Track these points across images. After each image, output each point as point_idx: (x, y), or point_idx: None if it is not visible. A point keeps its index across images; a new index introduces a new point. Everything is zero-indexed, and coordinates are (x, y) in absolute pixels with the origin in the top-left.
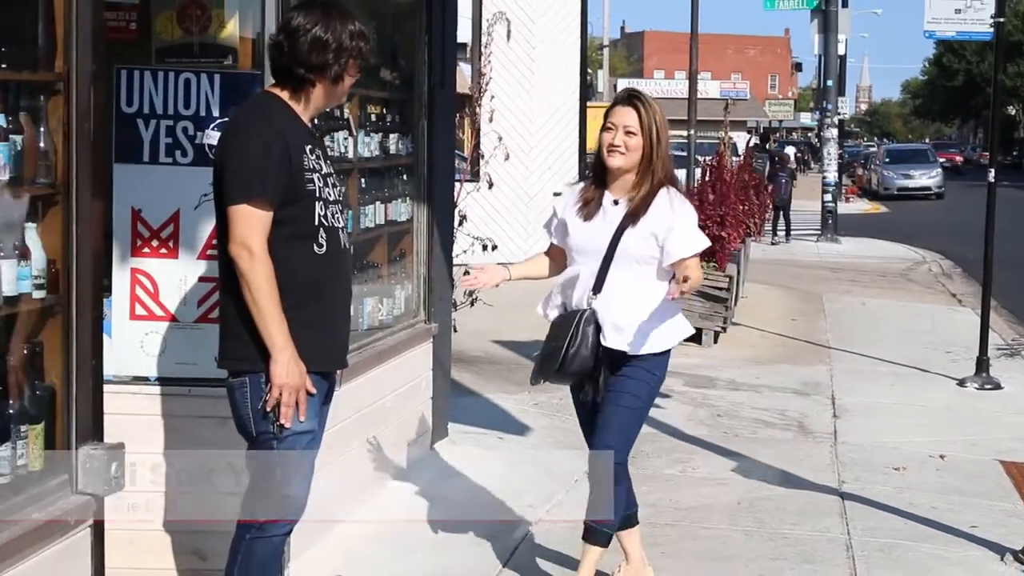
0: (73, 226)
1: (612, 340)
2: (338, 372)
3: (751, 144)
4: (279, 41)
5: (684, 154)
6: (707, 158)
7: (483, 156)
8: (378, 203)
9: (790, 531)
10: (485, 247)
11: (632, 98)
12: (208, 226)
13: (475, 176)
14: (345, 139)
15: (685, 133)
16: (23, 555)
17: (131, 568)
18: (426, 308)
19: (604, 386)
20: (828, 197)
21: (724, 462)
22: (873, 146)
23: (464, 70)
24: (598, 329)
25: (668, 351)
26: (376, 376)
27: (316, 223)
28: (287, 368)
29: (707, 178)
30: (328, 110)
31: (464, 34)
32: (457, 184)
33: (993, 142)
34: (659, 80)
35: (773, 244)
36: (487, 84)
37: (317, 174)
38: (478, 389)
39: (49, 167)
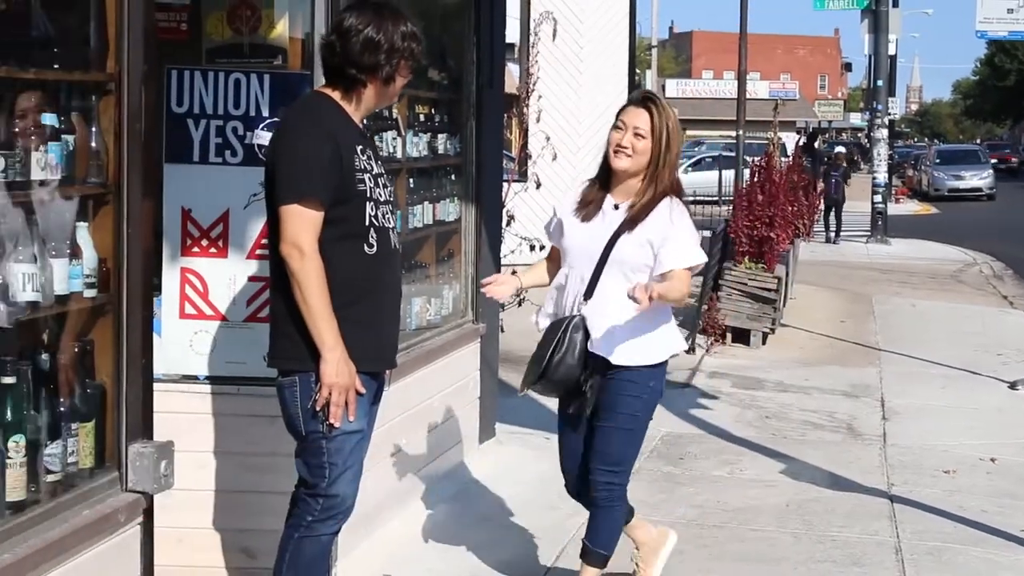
0: (124, 225)
1: (598, 347)
2: (387, 372)
3: (799, 144)
4: (331, 41)
5: (733, 155)
6: (756, 159)
7: (531, 156)
8: (426, 203)
9: (839, 533)
10: (532, 247)
11: (646, 100)
12: (257, 226)
13: (523, 176)
14: (394, 139)
15: (734, 134)
16: (74, 552)
17: (180, 566)
18: (474, 308)
19: (592, 399)
20: (878, 198)
21: (772, 464)
22: (924, 147)
23: (512, 70)
24: (587, 336)
25: (663, 364)
26: (424, 376)
27: (367, 223)
28: (337, 368)
29: (756, 179)
30: (377, 110)
31: (512, 34)
32: (505, 184)
33: None
34: (708, 80)
35: (827, 243)
36: (535, 84)
37: (368, 174)
38: None
39: (100, 167)
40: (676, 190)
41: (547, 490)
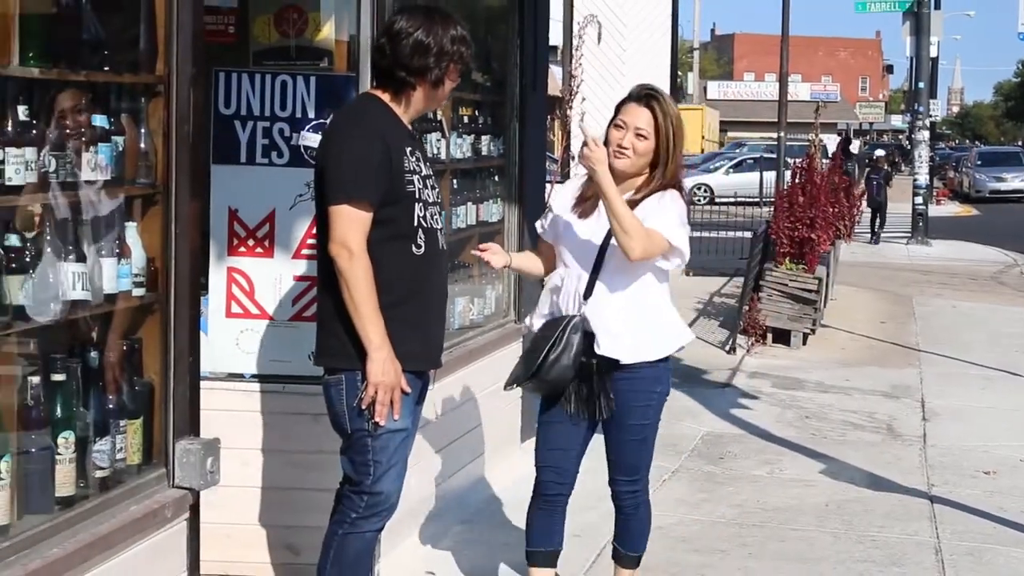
0: (172, 225)
1: (606, 348)
2: (432, 371)
3: (840, 146)
4: (381, 44)
5: (774, 156)
6: (797, 160)
7: (573, 158)
8: (470, 204)
9: (878, 534)
10: None
11: (648, 97)
12: (303, 226)
13: (565, 177)
14: (438, 140)
15: (775, 135)
16: (122, 547)
17: (225, 561)
18: (516, 308)
19: (595, 404)
20: (919, 200)
21: (812, 464)
22: (966, 149)
23: (555, 72)
24: (586, 339)
25: (667, 360)
26: (466, 375)
27: (415, 224)
28: (383, 367)
29: (797, 180)
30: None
31: (555, 37)
32: (548, 185)
33: None
34: (749, 82)
35: (870, 244)
36: (578, 86)
37: (417, 175)
38: None
39: (149, 168)
40: (677, 185)
41: (585, 490)
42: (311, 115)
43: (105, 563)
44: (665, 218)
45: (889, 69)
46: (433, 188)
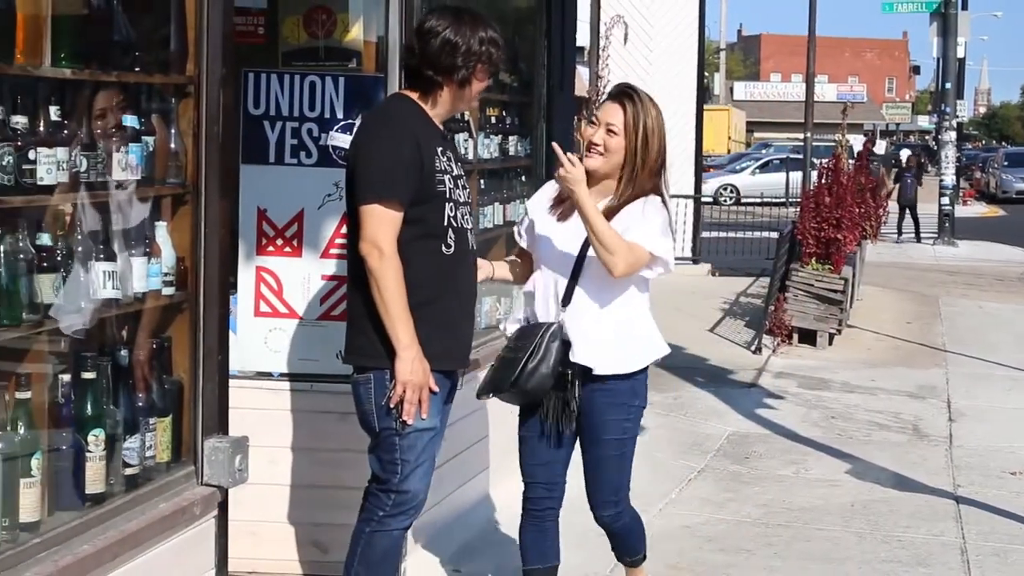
0: (201, 225)
1: (582, 355)
2: (461, 370)
3: (866, 146)
4: (411, 43)
5: (800, 157)
6: (823, 161)
7: None
8: (497, 204)
9: (904, 534)
10: None
11: (621, 94)
12: (331, 226)
13: None
14: (465, 141)
15: (801, 136)
16: (151, 543)
17: (253, 559)
18: None
19: (568, 414)
20: (945, 200)
21: (838, 464)
22: (994, 149)
23: (582, 73)
24: (564, 347)
25: (643, 372)
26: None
27: (445, 223)
28: (411, 366)
29: (823, 181)
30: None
31: (582, 37)
32: None
33: None
34: (775, 83)
35: (898, 243)
36: (604, 87)
37: (448, 175)
38: None
39: (179, 168)
40: (658, 191)
41: None
42: (339, 116)
43: (134, 560)
44: (647, 228)
45: (916, 70)
46: (464, 188)
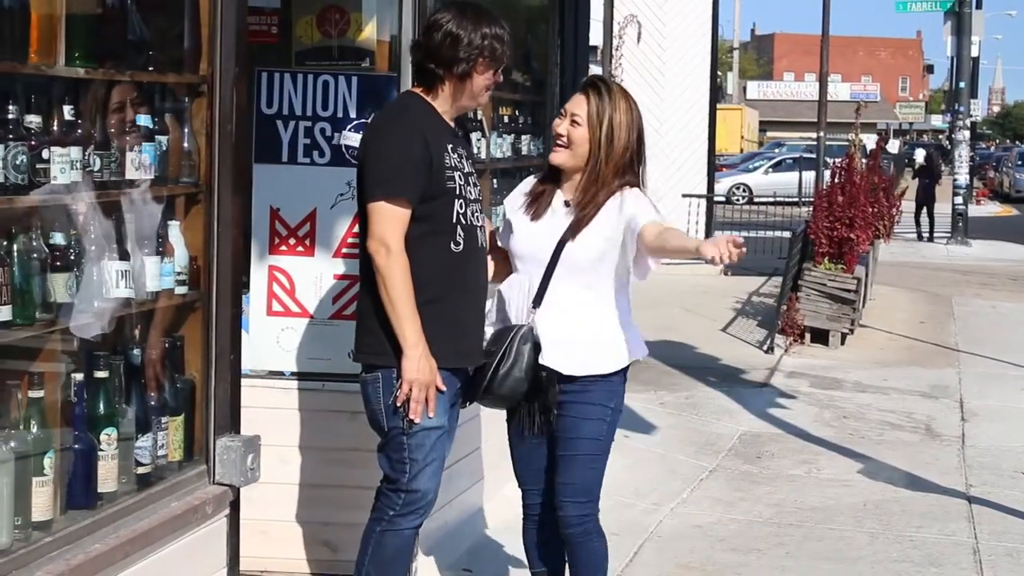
0: (214, 224)
1: (551, 359)
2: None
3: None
4: (418, 39)
5: (813, 156)
6: (836, 160)
7: None
8: None
9: (916, 534)
10: None
11: (589, 84)
12: (343, 225)
13: None
14: (478, 140)
15: (814, 135)
16: (162, 542)
17: (264, 557)
18: None
19: (546, 419)
20: (959, 199)
21: (850, 463)
22: (1009, 148)
23: (595, 72)
24: (537, 348)
25: (620, 374)
26: None
27: (454, 220)
28: (418, 364)
29: (836, 180)
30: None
31: (595, 36)
32: None
33: None
34: (789, 82)
35: (918, 240)
36: None
37: (459, 172)
38: None
39: (192, 167)
40: (632, 184)
41: (623, 487)
42: (352, 115)
43: (146, 558)
44: (644, 209)
45: (930, 69)
46: (475, 186)
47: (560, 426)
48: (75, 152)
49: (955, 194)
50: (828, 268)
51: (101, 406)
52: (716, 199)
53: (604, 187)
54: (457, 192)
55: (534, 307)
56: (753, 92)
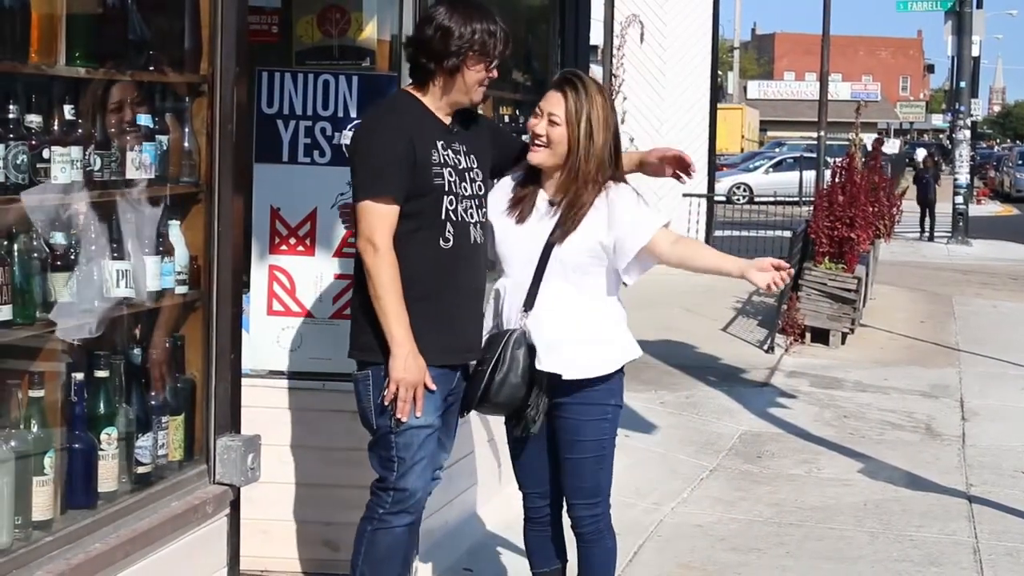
0: (215, 224)
1: (546, 363)
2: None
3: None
4: (411, 35)
5: (814, 156)
6: (837, 160)
7: None
8: None
9: (916, 533)
10: None
11: (565, 81)
12: (344, 225)
13: None
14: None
15: (815, 135)
16: (163, 542)
17: (264, 557)
18: None
19: (539, 421)
20: (960, 199)
21: (850, 463)
22: (1010, 147)
23: (596, 72)
24: (531, 352)
25: (618, 374)
26: None
27: (443, 217)
28: (404, 363)
29: (837, 180)
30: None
31: (596, 36)
32: None
33: None
34: (789, 82)
35: (920, 240)
36: (619, 86)
37: (450, 168)
38: None
39: (193, 166)
40: (615, 179)
41: (623, 487)
42: (353, 114)
43: (146, 558)
44: (636, 219)
45: (930, 68)
46: (475, 182)
47: (561, 430)
48: (75, 152)
49: (956, 193)
50: (828, 268)
51: (101, 405)
52: (716, 199)
53: (587, 184)
54: (446, 188)
55: (525, 310)
56: (753, 92)
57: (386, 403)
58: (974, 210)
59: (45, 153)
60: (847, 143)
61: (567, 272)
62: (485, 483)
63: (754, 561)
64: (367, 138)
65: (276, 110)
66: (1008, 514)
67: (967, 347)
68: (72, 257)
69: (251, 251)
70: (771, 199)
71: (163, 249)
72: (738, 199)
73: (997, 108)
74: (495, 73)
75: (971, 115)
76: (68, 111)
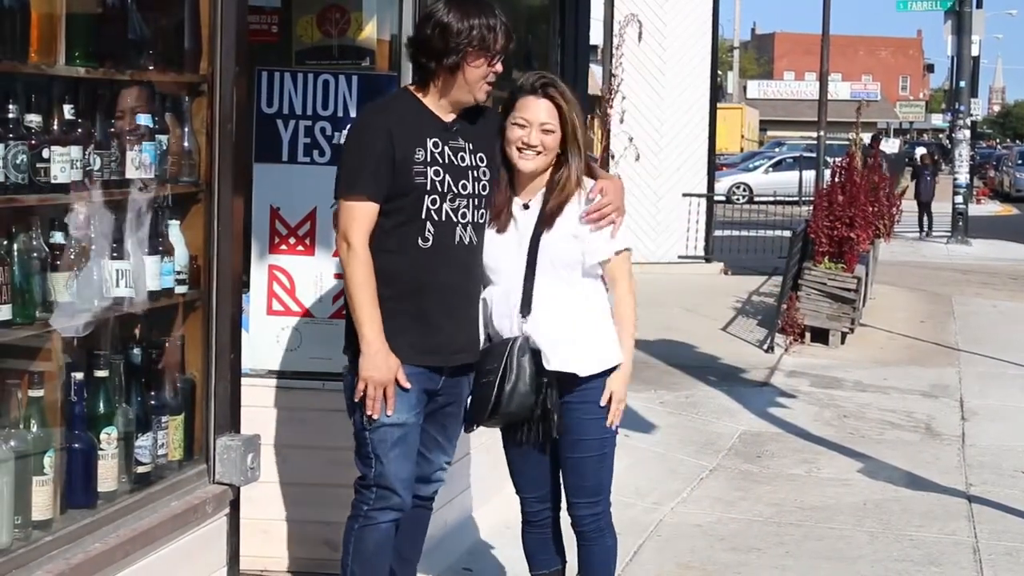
0: (215, 223)
1: (557, 362)
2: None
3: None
4: (412, 34)
5: (813, 155)
6: (837, 159)
7: (613, 156)
8: None
9: (916, 533)
10: None
11: (546, 87)
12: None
13: None
14: None
15: (815, 134)
16: (162, 541)
17: (264, 557)
18: None
19: (548, 425)
20: (959, 199)
21: (850, 463)
22: (1009, 147)
23: (595, 71)
24: (535, 358)
25: (617, 367)
26: None
27: (423, 216)
28: (373, 361)
29: (836, 179)
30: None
31: (595, 36)
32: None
33: None
34: (789, 81)
35: (919, 239)
36: (619, 85)
37: (437, 167)
38: None
39: (192, 166)
40: (589, 172)
41: (623, 487)
42: (353, 114)
43: (146, 558)
44: (607, 239)
45: (930, 68)
46: (476, 180)
47: (565, 428)
48: (75, 151)
49: (955, 193)
50: (828, 267)
51: (101, 405)
52: (716, 198)
53: (570, 175)
54: (428, 188)
55: (523, 316)
56: (753, 91)
57: (356, 400)
58: (974, 210)
59: (45, 153)
60: (847, 143)
61: (557, 270)
62: (485, 483)
63: (754, 561)
64: (351, 137)
65: (276, 110)
66: (1008, 514)
67: (967, 347)
68: (72, 257)
69: (251, 251)
70: (771, 199)
71: (163, 249)
72: (738, 199)
73: (997, 108)
74: (499, 68)
75: (971, 115)
76: (68, 111)
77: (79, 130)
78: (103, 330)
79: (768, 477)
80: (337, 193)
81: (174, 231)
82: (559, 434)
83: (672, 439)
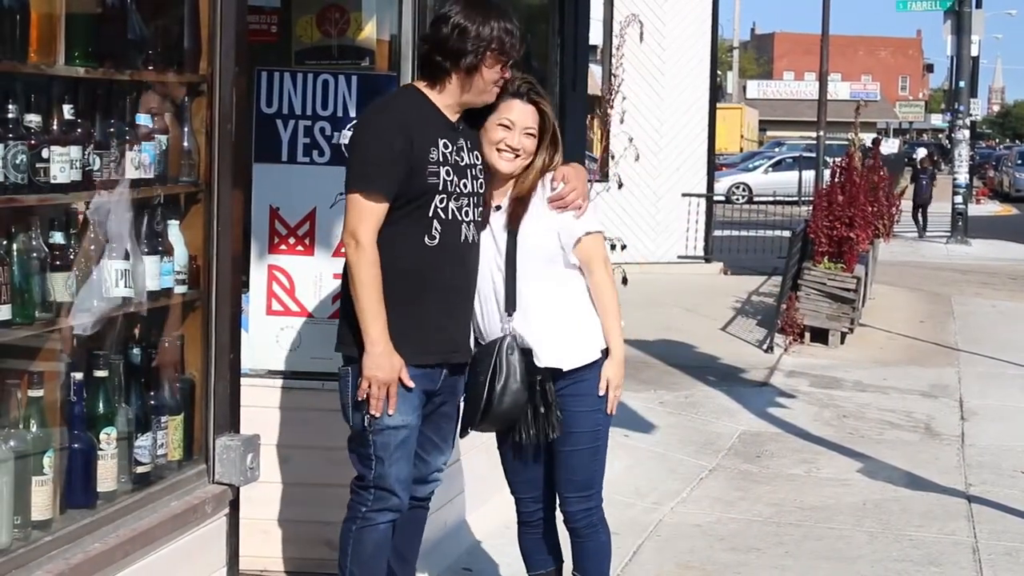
0: (214, 223)
1: (547, 357)
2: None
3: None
4: (426, 32)
5: (813, 155)
6: (836, 159)
7: (613, 156)
8: None
9: (915, 533)
10: (614, 247)
11: (532, 92)
12: (343, 224)
13: (604, 176)
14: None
15: (814, 135)
16: (162, 542)
17: (264, 557)
18: None
19: (548, 421)
20: (959, 199)
21: (849, 463)
22: (1009, 147)
23: (595, 71)
24: (525, 355)
25: (603, 357)
26: None
27: (431, 215)
28: (377, 360)
29: (836, 179)
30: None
31: (595, 36)
32: (588, 184)
33: None
34: (789, 81)
35: (918, 239)
36: (619, 86)
37: (448, 166)
38: None
39: (192, 166)
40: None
41: (622, 487)
42: (352, 114)
43: (145, 558)
44: (579, 219)
45: (929, 68)
46: (476, 179)
47: (562, 426)
48: (75, 151)
49: (955, 193)
50: (828, 267)
51: (101, 405)
52: (716, 198)
53: (530, 174)
54: (440, 187)
55: (508, 314)
56: (753, 91)
57: (359, 399)
58: (973, 210)
59: (44, 153)
60: (846, 143)
61: (538, 265)
62: (484, 483)
63: (753, 561)
64: (365, 132)
65: (275, 110)
66: (1007, 514)
67: (966, 347)
68: (71, 257)
69: (250, 251)
70: (770, 199)
71: (162, 249)
72: (737, 199)
73: (996, 108)
74: (508, 74)
75: (970, 115)
76: (67, 111)
77: (79, 130)
78: (103, 330)
79: (768, 477)
80: (349, 187)
81: (174, 231)
82: (556, 435)
83: (672, 439)
